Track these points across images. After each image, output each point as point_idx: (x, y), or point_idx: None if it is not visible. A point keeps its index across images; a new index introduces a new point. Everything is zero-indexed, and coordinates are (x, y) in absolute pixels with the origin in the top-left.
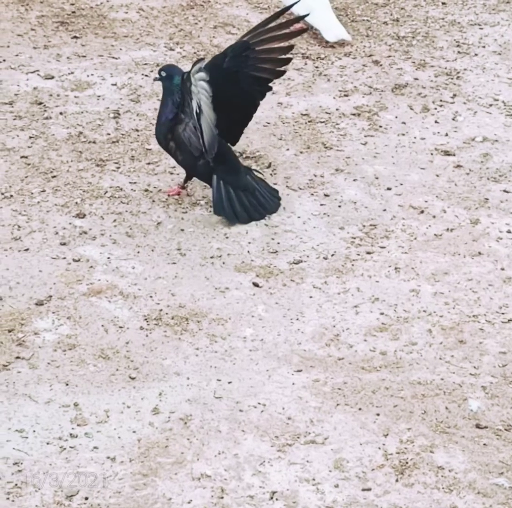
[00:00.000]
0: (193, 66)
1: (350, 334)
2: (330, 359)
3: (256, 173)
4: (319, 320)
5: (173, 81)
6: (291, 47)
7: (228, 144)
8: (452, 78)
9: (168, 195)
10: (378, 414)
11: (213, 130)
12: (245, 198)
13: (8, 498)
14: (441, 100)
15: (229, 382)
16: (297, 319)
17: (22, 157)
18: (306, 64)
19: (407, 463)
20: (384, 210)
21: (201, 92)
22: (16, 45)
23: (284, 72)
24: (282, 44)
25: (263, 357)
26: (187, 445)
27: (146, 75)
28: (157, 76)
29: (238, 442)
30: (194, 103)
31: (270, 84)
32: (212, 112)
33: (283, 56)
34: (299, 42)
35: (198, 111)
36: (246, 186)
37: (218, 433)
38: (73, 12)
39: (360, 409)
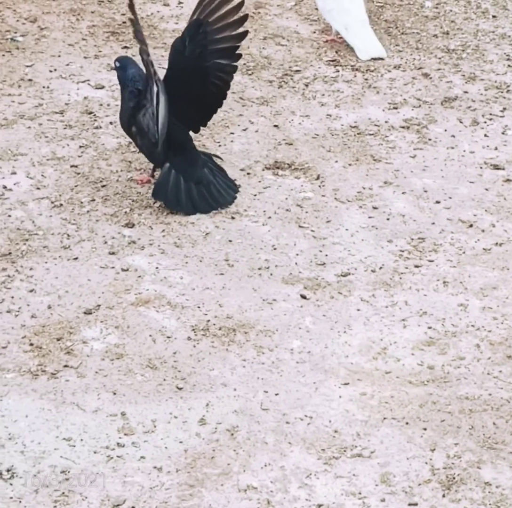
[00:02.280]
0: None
1: (397, 347)
2: (377, 372)
3: (217, 160)
4: (366, 333)
5: (127, 72)
6: (241, 4)
7: (193, 132)
8: (502, 92)
9: (139, 183)
10: (425, 429)
11: (166, 119)
12: (196, 190)
13: (55, 506)
14: (490, 114)
15: (276, 394)
16: (345, 331)
17: (72, 166)
18: (355, 76)
19: (454, 478)
20: (433, 223)
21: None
22: (67, 54)
23: (246, 32)
24: (231, 6)
25: (310, 369)
26: (233, 456)
27: None
28: (114, 65)
29: (284, 454)
30: (155, 88)
31: (239, 52)
32: (165, 102)
33: (238, 17)
34: (349, 54)
35: (157, 97)
36: (200, 179)
37: (265, 445)
38: (124, 22)
39: (407, 423)
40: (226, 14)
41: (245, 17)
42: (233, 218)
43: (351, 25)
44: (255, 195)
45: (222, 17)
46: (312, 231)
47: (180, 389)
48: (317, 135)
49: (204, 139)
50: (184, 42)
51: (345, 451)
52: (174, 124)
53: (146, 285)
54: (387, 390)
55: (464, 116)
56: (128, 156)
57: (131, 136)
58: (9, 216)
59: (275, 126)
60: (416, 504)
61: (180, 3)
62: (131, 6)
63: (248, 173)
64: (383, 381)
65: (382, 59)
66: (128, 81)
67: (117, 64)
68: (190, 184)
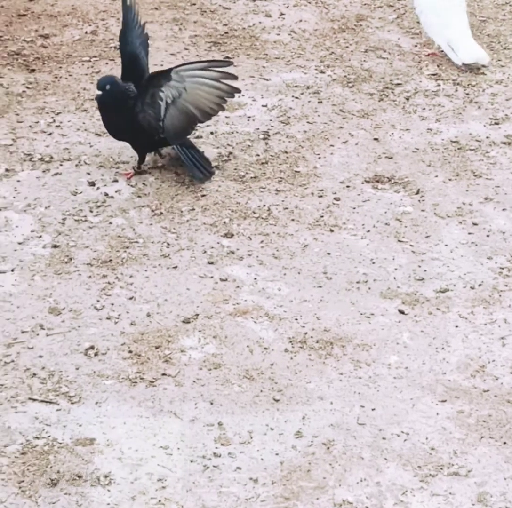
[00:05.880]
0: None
1: (496, 366)
2: (475, 390)
3: None
4: (464, 351)
5: (119, 88)
6: None
7: None
8: None
9: (127, 178)
10: None
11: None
12: (196, 154)
13: None
14: None
15: (373, 409)
16: (443, 348)
17: (172, 174)
18: (456, 90)
19: None
20: None
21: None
22: (169, 64)
23: None
24: None
25: (407, 385)
26: (329, 470)
27: (297, 97)
28: (100, 92)
29: (380, 470)
30: (169, 94)
31: None
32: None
33: None
34: (450, 68)
35: (168, 102)
36: (188, 143)
37: (361, 460)
38: (226, 32)
39: (505, 443)
40: None
41: None
42: (331, 231)
43: (455, 41)
44: (354, 208)
45: None
46: (411, 245)
47: (276, 401)
48: (417, 149)
49: (303, 151)
50: (161, 82)
51: (441, 469)
52: None
53: (244, 296)
54: (485, 408)
55: None
56: (228, 165)
57: (123, 138)
58: (110, 223)
59: (375, 139)
60: None
61: (282, 14)
62: None
63: (348, 186)
64: (481, 399)
65: (485, 66)
66: (125, 94)
67: (108, 87)
68: (190, 151)
